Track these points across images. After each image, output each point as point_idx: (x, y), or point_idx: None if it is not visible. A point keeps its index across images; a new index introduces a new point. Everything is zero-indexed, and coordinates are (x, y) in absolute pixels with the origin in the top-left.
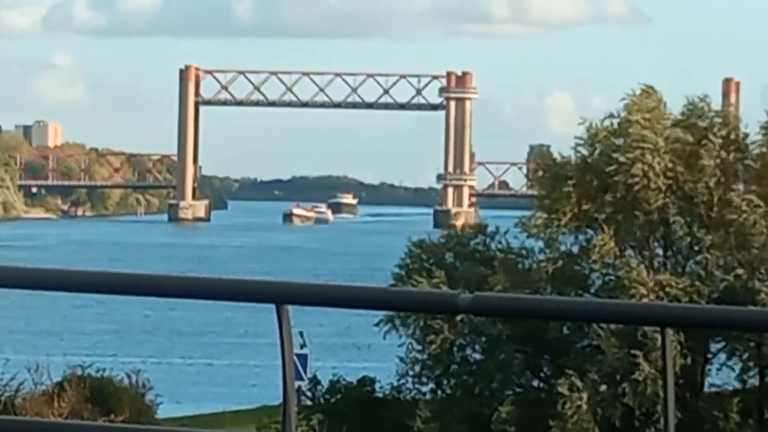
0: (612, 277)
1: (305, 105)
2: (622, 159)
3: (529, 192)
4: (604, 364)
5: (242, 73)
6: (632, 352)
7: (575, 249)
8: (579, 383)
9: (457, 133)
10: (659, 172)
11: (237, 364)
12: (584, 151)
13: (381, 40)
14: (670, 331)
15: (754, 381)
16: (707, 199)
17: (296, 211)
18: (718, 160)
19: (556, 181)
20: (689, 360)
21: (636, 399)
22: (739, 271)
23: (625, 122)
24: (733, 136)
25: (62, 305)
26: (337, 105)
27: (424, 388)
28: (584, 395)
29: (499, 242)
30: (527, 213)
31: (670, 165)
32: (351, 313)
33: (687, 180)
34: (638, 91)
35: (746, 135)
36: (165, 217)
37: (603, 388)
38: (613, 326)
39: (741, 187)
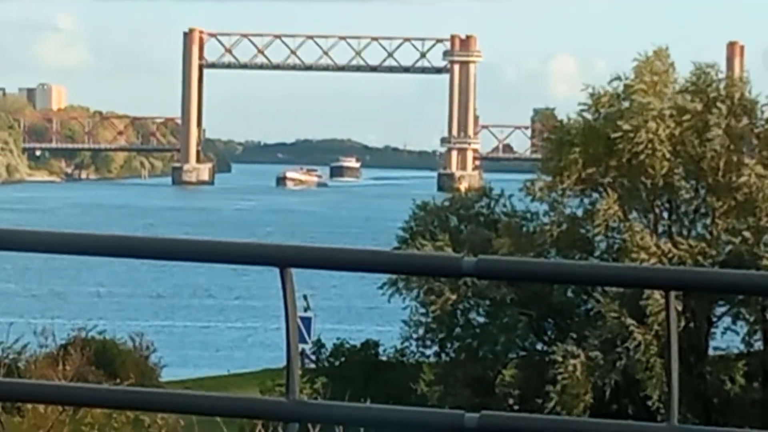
0: (616, 240)
1: (309, 68)
2: (626, 126)
3: (533, 155)
4: (605, 328)
5: (246, 36)
6: (632, 318)
7: (579, 212)
8: (575, 349)
9: (461, 97)
10: (664, 139)
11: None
12: (589, 116)
13: (385, 3)
14: (673, 295)
15: (759, 344)
16: (714, 163)
17: (290, 174)
18: (726, 126)
19: (561, 145)
20: (693, 324)
21: (635, 363)
22: (746, 234)
23: (630, 86)
24: (742, 101)
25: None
26: (341, 68)
27: (428, 351)
28: (580, 360)
29: (504, 205)
30: (531, 176)
31: (675, 131)
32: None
33: (694, 145)
34: (650, 53)
35: (756, 101)
36: (169, 180)
37: (596, 353)
38: (615, 290)
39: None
